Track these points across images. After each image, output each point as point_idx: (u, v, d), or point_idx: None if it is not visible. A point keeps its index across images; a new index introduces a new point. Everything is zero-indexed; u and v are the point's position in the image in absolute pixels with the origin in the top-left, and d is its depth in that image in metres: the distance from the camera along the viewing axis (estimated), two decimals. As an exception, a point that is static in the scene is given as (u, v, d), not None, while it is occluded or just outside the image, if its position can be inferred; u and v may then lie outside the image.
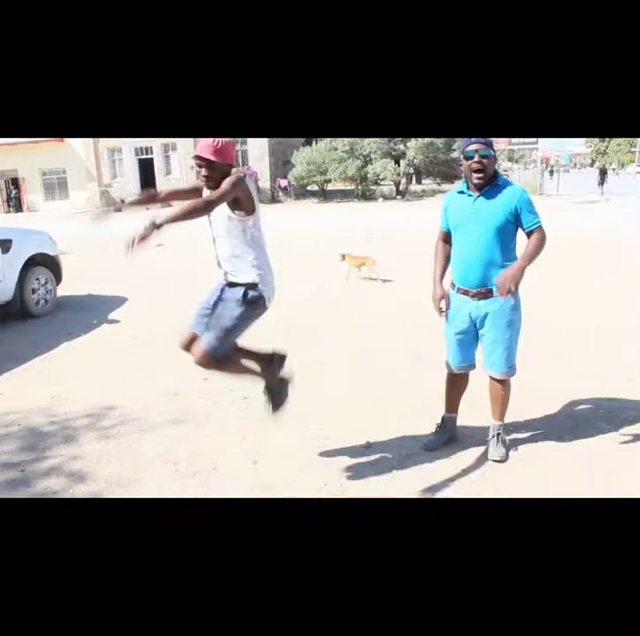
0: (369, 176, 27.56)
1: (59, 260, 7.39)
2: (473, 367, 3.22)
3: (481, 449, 3.24)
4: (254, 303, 2.77)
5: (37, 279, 6.87)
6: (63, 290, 7.52)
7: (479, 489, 2.86)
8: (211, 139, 2.68)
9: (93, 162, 31.73)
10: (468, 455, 3.21)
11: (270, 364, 3.09)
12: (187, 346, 2.90)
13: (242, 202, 2.71)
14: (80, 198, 32.01)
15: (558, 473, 2.99)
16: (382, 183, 29.14)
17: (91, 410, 4.00)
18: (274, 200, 28.91)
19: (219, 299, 2.84)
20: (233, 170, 2.73)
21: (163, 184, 29.99)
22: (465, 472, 3.03)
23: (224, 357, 2.82)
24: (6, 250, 6.33)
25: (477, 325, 3.05)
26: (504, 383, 3.13)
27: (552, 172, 33.98)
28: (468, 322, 3.06)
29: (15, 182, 32.79)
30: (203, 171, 2.69)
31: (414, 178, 32.19)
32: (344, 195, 29.04)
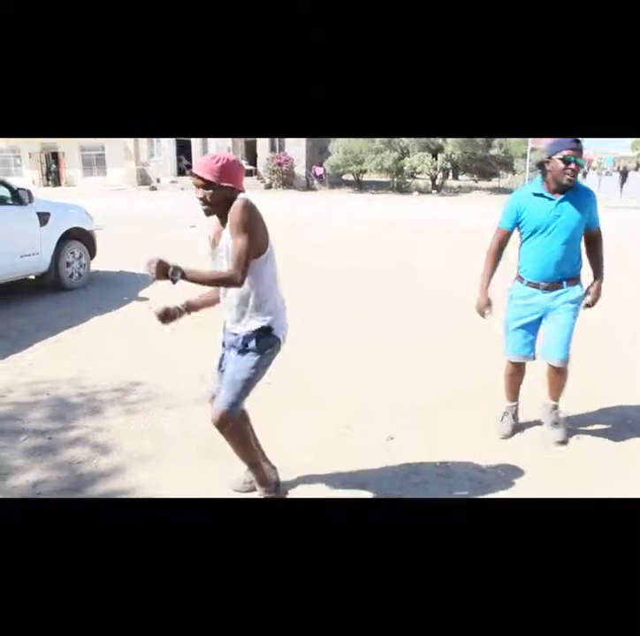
0: (405, 168, 27.32)
1: (94, 235, 7.51)
2: (533, 357, 3.34)
3: (503, 447, 3.21)
4: (269, 347, 2.44)
5: (72, 253, 7.01)
6: (95, 265, 7.63)
7: (499, 489, 2.84)
8: (214, 156, 2.26)
9: (132, 140, 32.05)
10: (489, 452, 3.18)
11: (269, 481, 2.70)
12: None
13: (256, 239, 2.28)
14: (117, 175, 32.42)
15: (580, 478, 2.95)
16: (418, 176, 28.86)
17: (118, 385, 4.07)
18: (309, 187, 28.87)
19: (230, 350, 2.50)
20: (239, 196, 2.28)
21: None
22: (484, 471, 3.01)
23: (242, 431, 2.55)
24: (44, 223, 6.45)
25: (543, 316, 3.22)
26: (564, 371, 3.26)
27: (585, 174, 33.21)
28: (534, 313, 3.23)
29: (55, 156, 33.38)
30: (199, 193, 2.27)
31: (450, 173, 31.81)
32: (379, 186, 28.85)
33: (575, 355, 3.26)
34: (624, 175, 27.89)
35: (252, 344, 2.40)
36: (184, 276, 2.21)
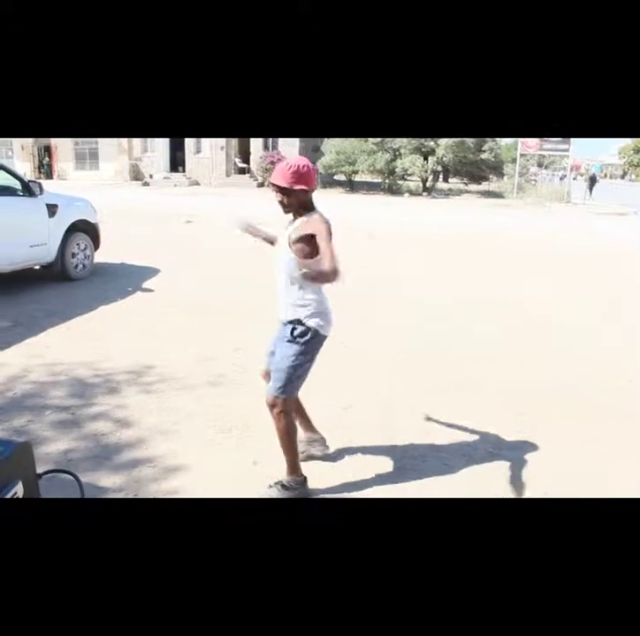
0: (397, 170, 27.67)
1: (98, 227, 7.73)
2: None
3: (489, 426, 3.51)
4: (303, 336, 2.68)
5: (78, 244, 7.22)
6: (97, 257, 7.85)
7: (486, 462, 3.13)
8: (286, 164, 2.58)
9: (125, 135, 32.09)
10: (478, 431, 3.47)
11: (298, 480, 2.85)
12: (266, 379, 2.92)
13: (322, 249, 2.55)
14: (109, 169, 32.47)
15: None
16: (409, 178, 29.23)
17: (132, 368, 4.32)
18: (301, 186, 29.10)
19: (279, 340, 2.79)
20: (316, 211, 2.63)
21: (192, 162, 30.39)
22: (474, 448, 3.30)
23: (290, 418, 2.77)
24: (53, 214, 6.67)
25: None
26: None
27: (561, 178, 33.76)
28: None
29: (47, 149, 33.34)
30: (278, 197, 2.61)
31: (441, 176, 32.22)
32: (370, 187, 29.17)
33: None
34: (592, 181, 28.90)
35: (292, 333, 2.69)
36: (304, 276, 2.45)
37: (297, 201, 2.60)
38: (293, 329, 2.69)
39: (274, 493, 2.79)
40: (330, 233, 2.52)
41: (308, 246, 2.56)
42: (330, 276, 2.43)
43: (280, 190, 2.57)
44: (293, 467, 2.83)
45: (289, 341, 2.69)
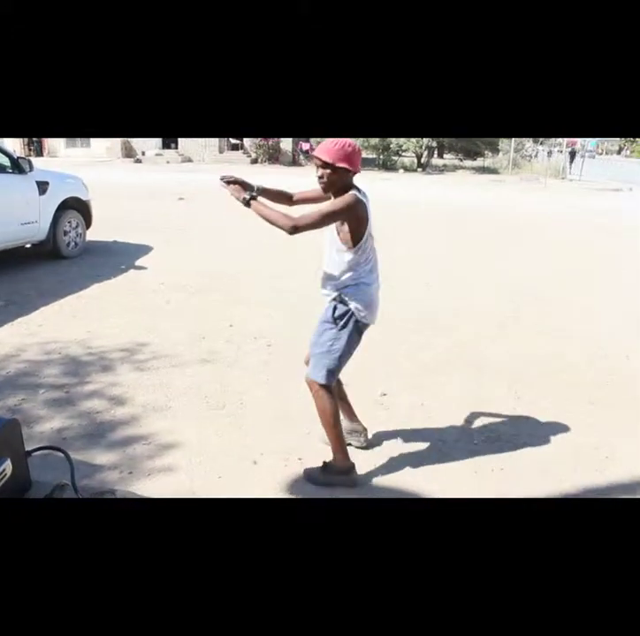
0: (391, 146, 27.44)
1: (90, 205, 7.65)
2: None
3: (479, 401, 3.52)
4: (342, 318, 2.59)
5: (69, 222, 7.15)
6: (90, 235, 7.78)
7: (475, 431, 3.16)
8: (333, 141, 2.46)
9: (116, 111, 31.61)
10: (469, 406, 3.49)
11: (346, 467, 2.74)
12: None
13: (351, 230, 2.51)
14: (101, 146, 32.07)
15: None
16: (404, 154, 29.00)
17: (125, 345, 4.30)
18: (294, 163, 28.86)
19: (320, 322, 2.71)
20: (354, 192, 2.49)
21: (185, 139, 29.98)
22: (468, 420, 3.32)
23: (330, 397, 2.63)
24: (43, 192, 6.58)
25: None
26: None
27: (549, 153, 33.39)
28: None
29: (37, 126, 32.88)
30: (319, 172, 2.50)
31: (436, 152, 31.98)
32: (365, 163, 28.68)
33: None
34: (572, 155, 28.67)
35: (333, 314, 2.60)
36: (253, 201, 2.47)
37: (338, 180, 2.48)
38: (334, 308, 2.60)
39: (315, 475, 2.71)
40: (343, 208, 2.43)
41: (345, 225, 2.50)
42: (281, 225, 2.38)
43: (323, 165, 2.47)
44: (337, 451, 2.70)
45: (327, 322, 2.62)
